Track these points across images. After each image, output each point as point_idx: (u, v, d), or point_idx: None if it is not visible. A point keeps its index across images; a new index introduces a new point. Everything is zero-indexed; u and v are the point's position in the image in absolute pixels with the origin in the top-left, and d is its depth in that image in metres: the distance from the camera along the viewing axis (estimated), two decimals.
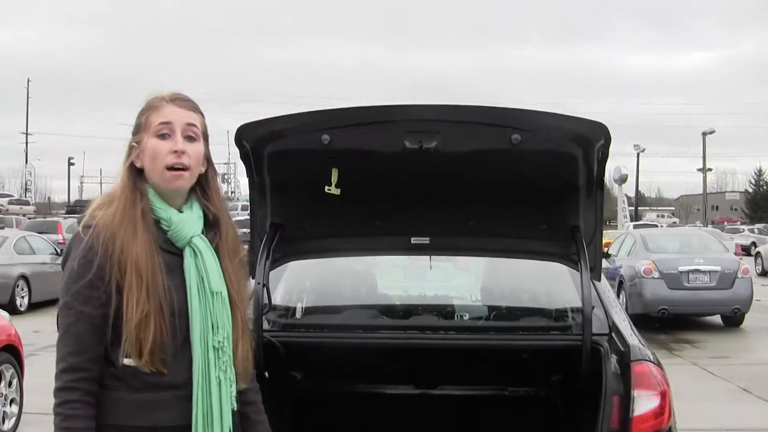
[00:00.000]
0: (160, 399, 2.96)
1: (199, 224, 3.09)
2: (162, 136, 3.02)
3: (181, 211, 3.07)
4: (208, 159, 3.16)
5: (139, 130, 3.07)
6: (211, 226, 3.13)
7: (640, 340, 4.79)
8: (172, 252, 3.03)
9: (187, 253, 3.03)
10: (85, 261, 2.93)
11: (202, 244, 3.06)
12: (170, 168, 3.01)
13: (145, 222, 2.98)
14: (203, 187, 3.14)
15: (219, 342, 3.00)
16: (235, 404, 3.09)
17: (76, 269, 2.94)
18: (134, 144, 3.06)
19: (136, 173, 3.06)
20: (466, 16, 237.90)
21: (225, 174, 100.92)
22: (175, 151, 3.00)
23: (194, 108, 3.11)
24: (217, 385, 3.00)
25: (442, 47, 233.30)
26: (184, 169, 3.02)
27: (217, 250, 3.10)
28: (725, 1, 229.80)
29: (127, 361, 2.92)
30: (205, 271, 3.02)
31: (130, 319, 2.88)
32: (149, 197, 3.04)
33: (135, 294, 2.89)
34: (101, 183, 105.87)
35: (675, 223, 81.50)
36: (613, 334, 4.84)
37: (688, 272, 18.94)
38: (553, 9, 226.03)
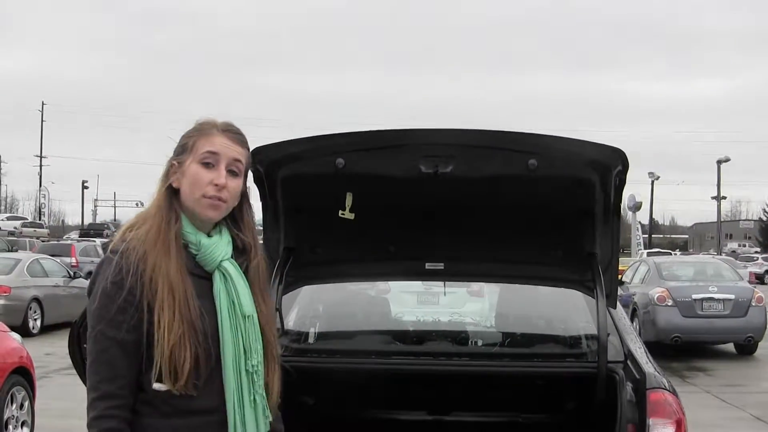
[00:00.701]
0: (191, 425, 2.89)
1: (229, 249, 3.03)
2: (206, 165, 2.95)
3: (210, 236, 3.01)
4: (243, 194, 3.09)
5: (183, 150, 3.00)
6: (241, 252, 3.07)
7: (655, 368, 4.75)
8: (200, 276, 2.97)
9: (217, 277, 2.98)
10: (114, 284, 2.86)
11: (232, 268, 3.00)
12: (208, 197, 2.96)
13: (177, 244, 2.93)
14: (235, 219, 3.08)
15: (253, 366, 2.95)
16: (268, 427, 3.05)
17: (102, 295, 2.88)
18: (175, 163, 3.00)
19: (172, 193, 3.00)
20: (479, 43, 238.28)
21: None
22: (216, 184, 2.95)
23: (243, 142, 3.06)
24: (252, 410, 2.95)
25: (454, 74, 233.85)
26: (222, 201, 2.98)
27: (246, 276, 3.05)
28: (740, 29, 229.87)
29: (157, 386, 2.85)
30: (236, 295, 2.96)
31: (164, 341, 2.81)
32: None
33: (167, 315, 2.82)
34: (115, 206, 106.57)
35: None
36: (628, 362, 4.79)
37: (701, 300, 18.88)
38: (566, 36, 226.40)
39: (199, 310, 2.89)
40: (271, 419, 3.06)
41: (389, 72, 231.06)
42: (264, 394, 3.01)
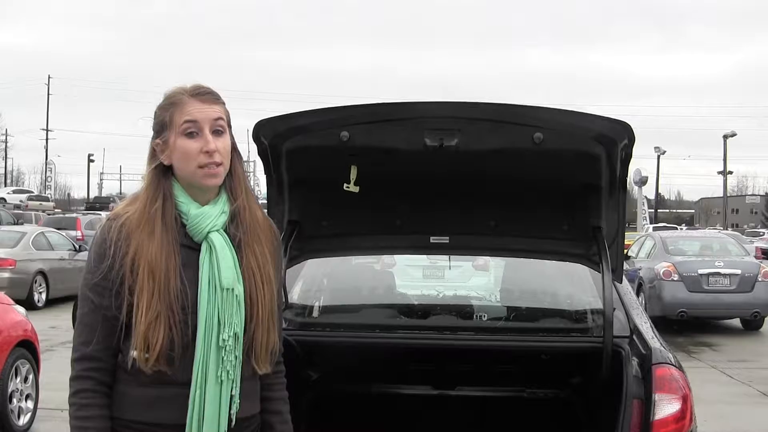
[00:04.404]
0: (165, 395, 2.90)
1: (221, 219, 3.00)
2: (190, 135, 2.93)
3: (203, 206, 2.99)
4: (233, 146, 3.06)
5: (163, 128, 2.98)
6: (233, 218, 3.04)
7: (661, 343, 4.72)
8: (191, 247, 2.97)
9: (203, 249, 2.96)
10: (97, 254, 2.93)
11: (219, 239, 2.97)
12: (203, 166, 2.94)
13: (164, 221, 2.93)
14: (229, 175, 3.05)
15: (224, 340, 2.90)
16: (235, 408, 2.97)
17: (88, 261, 2.96)
18: (160, 142, 2.98)
19: (161, 172, 2.99)
20: (478, 17, 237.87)
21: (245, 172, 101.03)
22: (207, 152, 2.93)
23: (216, 100, 3.02)
24: (216, 385, 2.91)
25: (453, 48, 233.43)
26: (217, 165, 2.96)
27: (240, 245, 3.02)
28: (747, 4, 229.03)
29: (135, 354, 2.87)
30: (218, 268, 2.93)
31: (140, 322, 2.84)
32: (174, 191, 2.98)
33: (146, 296, 2.85)
34: (120, 180, 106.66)
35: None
36: (634, 337, 4.76)
37: (707, 275, 18.86)
38: (569, 11, 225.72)
39: (182, 285, 2.89)
40: (239, 407, 2.98)
41: (381, 47, 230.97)
42: (233, 371, 2.94)
